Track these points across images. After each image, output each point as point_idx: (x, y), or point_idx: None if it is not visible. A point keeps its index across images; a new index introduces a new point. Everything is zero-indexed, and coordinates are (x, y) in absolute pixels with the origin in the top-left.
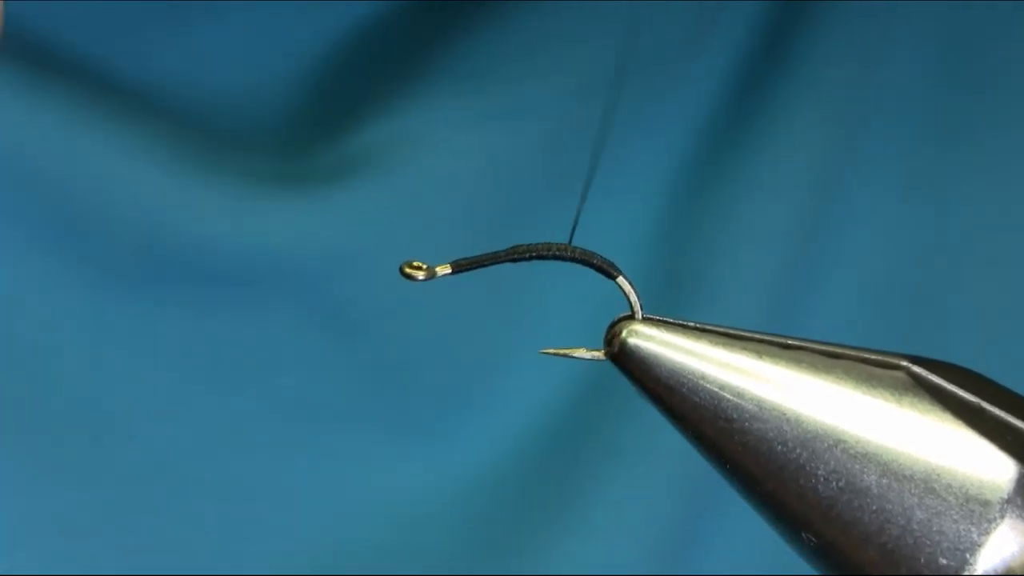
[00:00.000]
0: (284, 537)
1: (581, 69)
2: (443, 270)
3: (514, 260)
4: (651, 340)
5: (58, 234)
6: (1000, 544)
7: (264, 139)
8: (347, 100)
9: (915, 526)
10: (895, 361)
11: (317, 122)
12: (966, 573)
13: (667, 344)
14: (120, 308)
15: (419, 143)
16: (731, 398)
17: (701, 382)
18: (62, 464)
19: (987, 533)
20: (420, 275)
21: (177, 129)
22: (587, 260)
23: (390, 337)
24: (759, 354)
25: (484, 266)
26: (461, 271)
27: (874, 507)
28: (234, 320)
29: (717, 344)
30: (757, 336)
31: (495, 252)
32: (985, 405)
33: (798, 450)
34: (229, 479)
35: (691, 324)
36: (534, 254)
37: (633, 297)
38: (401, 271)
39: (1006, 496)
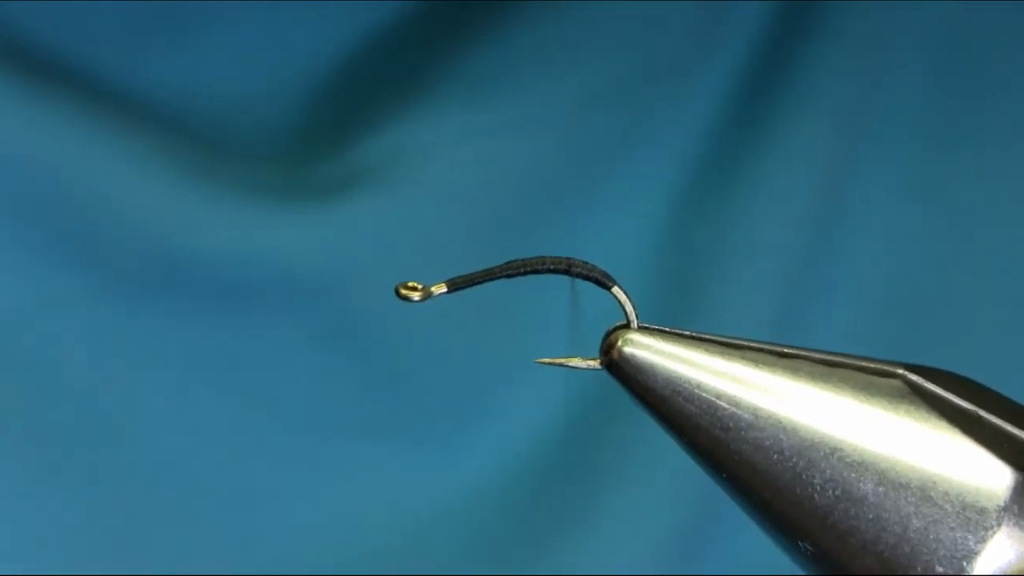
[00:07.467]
0: (289, 546)
1: (584, 80)
2: (438, 289)
3: (509, 275)
4: (647, 349)
5: (63, 246)
6: (997, 552)
7: (268, 151)
8: (351, 113)
9: (912, 534)
10: (892, 369)
11: (321, 135)
12: None
13: (662, 353)
14: (124, 319)
15: (423, 155)
16: (727, 407)
17: (697, 391)
18: (67, 472)
19: (984, 541)
20: (416, 296)
21: (181, 142)
22: (582, 272)
23: (394, 348)
24: (755, 363)
25: (479, 283)
26: (457, 289)
27: (871, 515)
28: (239, 331)
29: (713, 353)
30: (753, 345)
31: (489, 268)
32: (982, 413)
33: (794, 459)
34: (235, 489)
35: (687, 333)
36: (529, 268)
37: (628, 306)
38: (397, 293)
39: (1003, 504)
